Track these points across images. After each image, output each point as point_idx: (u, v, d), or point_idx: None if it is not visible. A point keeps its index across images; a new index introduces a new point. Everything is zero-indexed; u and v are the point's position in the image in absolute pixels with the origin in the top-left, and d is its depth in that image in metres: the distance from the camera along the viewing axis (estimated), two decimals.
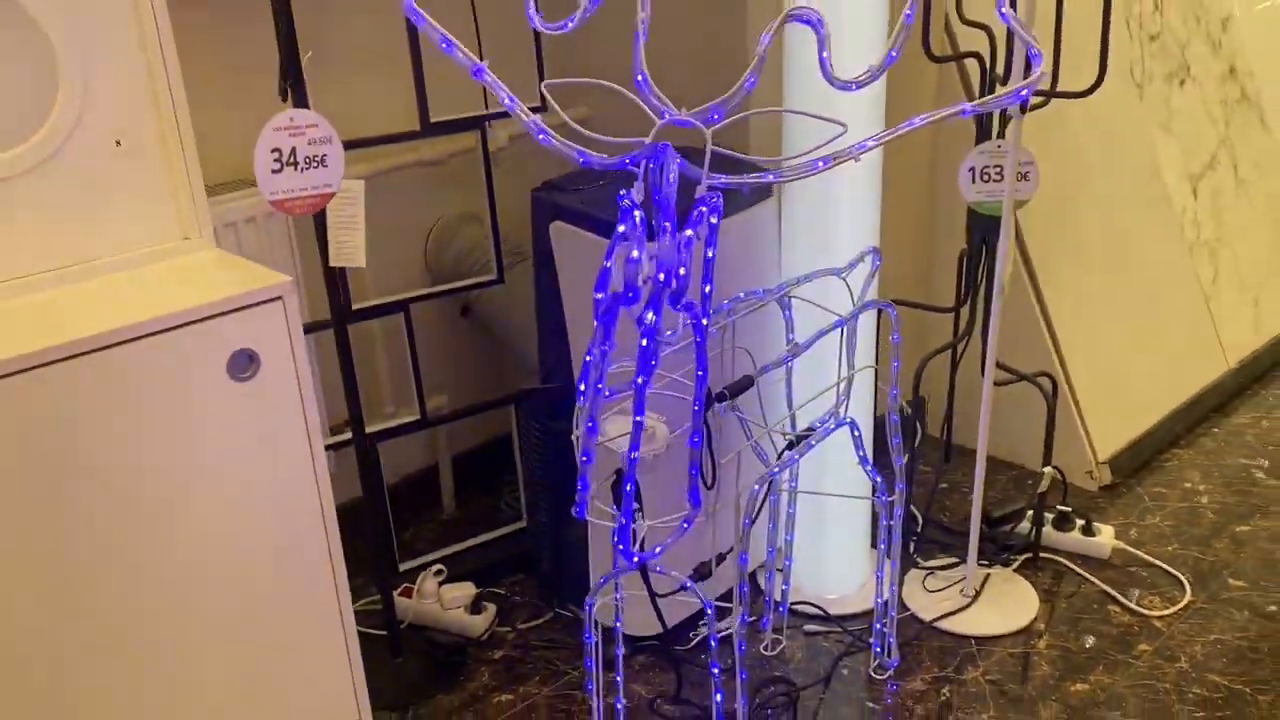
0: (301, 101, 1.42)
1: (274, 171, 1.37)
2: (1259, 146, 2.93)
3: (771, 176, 1.10)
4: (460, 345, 2.30)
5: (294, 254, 1.86)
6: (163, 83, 1.41)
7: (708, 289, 1.09)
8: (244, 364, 1.35)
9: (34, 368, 1.20)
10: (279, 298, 1.36)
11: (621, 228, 1.07)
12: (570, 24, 1.02)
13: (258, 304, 1.34)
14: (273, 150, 1.36)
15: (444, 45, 1.00)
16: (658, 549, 1.22)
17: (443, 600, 1.92)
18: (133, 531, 1.31)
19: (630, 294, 1.02)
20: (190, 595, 1.38)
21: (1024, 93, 0.99)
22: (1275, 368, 2.78)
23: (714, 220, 1.06)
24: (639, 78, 1.05)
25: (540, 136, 1.07)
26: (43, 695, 1.29)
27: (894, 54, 0.97)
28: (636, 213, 1.02)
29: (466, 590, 1.93)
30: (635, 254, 1.02)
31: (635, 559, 1.19)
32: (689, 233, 1.03)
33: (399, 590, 1.93)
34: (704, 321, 1.09)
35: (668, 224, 1.03)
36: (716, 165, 1.07)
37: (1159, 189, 2.60)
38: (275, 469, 1.41)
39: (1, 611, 1.23)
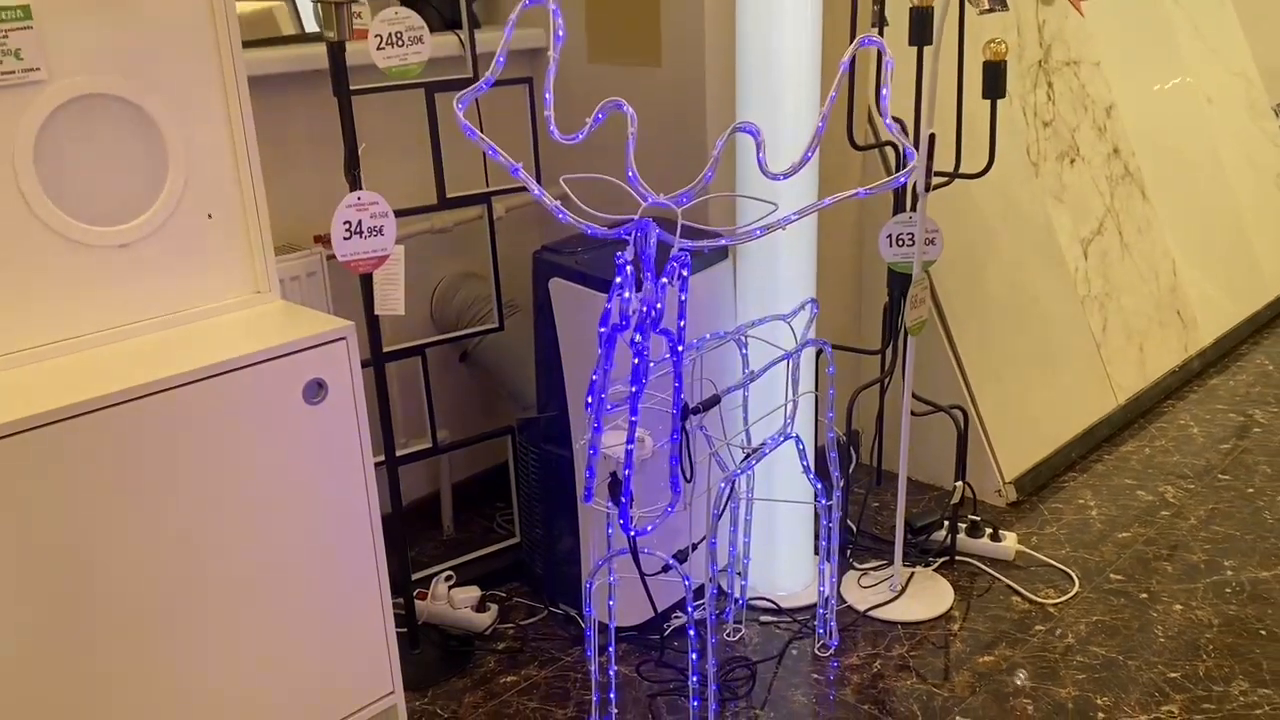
0: (359, 185, 1.79)
1: (345, 238, 1.73)
2: (1140, 215, 3.41)
3: (724, 241, 1.49)
4: (459, 387, 2.65)
5: (329, 307, 2.21)
6: (245, 169, 1.78)
7: (682, 323, 1.47)
8: (315, 391, 1.70)
9: (153, 394, 1.55)
10: (343, 338, 1.72)
11: (618, 279, 1.44)
12: (580, 136, 1.40)
13: (327, 343, 1.70)
14: (344, 222, 1.72)
15: (490, 152, 1.38)
16: (649, 528, 1.58)
17: (452, 601, 2.24)
18: (222, 525, 1.64)
19: (624, 322, 1.39)
20: (262, 581, 1.71)
21: (902, 179, 1.38)
22: (1158, 405, 3.23)
23: (685, 273, 1.45)
24: (630, 173, 1.44)
25: (559, 215, 1.45)
26: (144, 648, 1.61)
27: (809, 155, 1.37)
28: (629, 267, 1.40)
29: (472, 593, 2.26)
30: (627, 295, 1.40)
31: (632, 533, 1.55)
32: (664, 280, 1.41)
33: (415, 593, 2.25)
34: (679, 347, 1.47)
35: (648, 274, 1.41)
36: (684, 233, 1.46)
37: (1054, 251, 3.05)
38: (337, 476, 1.76)
39: (115, 581, 1.56)
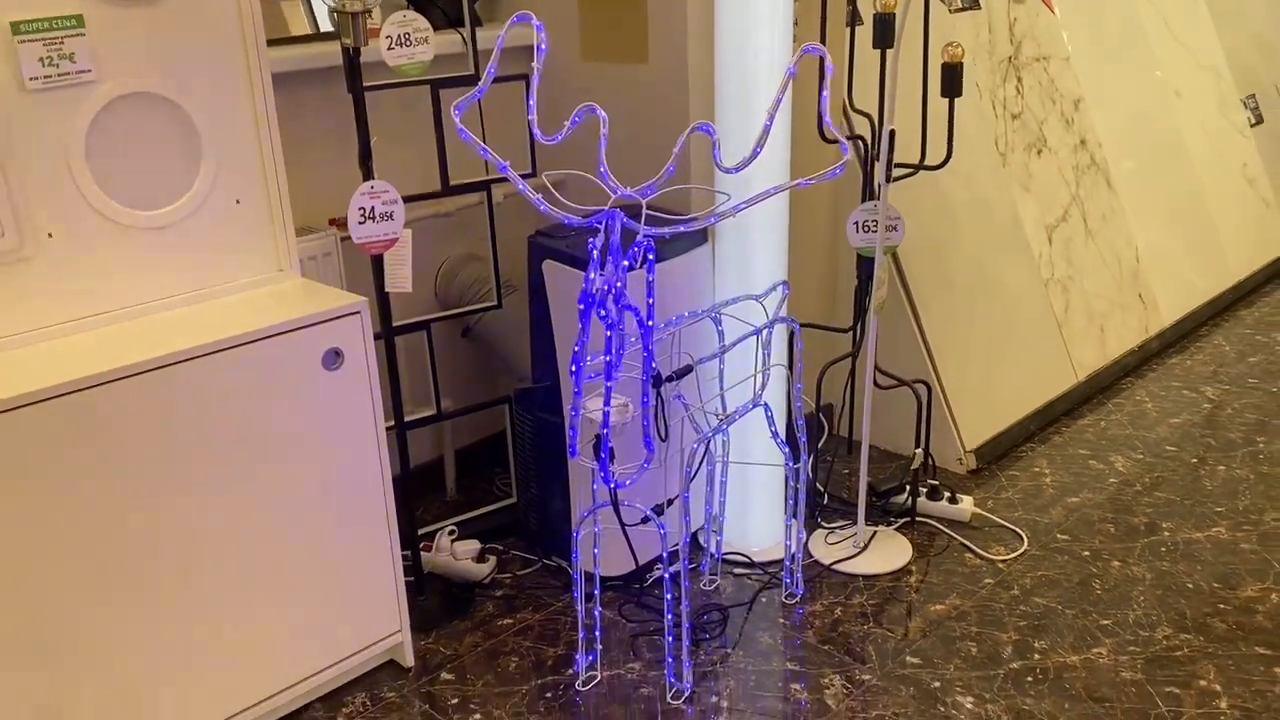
0: (371, 175, 2.00)
1: (359, 223, 1.94)
2: (1105, 203, 3.61)
3: (682, 227, 1.69)
4: (460, 360, 2.86)
5: (343, 284, 2.42)
6: (269, 159, 1.98)
7: (650, 300, 1.68)
8: (333, 359, 1.92)
9: (189, 360, 1.76)
10: (358, 311, 1.93)
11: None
12: (559, 138, 1.60)
13: (344, 315, 1.91)
14: (359, 209, 1.93)
15: (483, 153, 1.58)
16: (628, 481, 1.80)
17: (454, 553, 2.46)
18: (252, 480, 1.86)
19: (590, 298, 1.61)
20: (287, 532, 1.92)
21: (837, 171, 1.58)
22: (1117, 382, 3.43)
23: (650, 256, 1.66)
24: (602, 169, 1.64)
25: (540, 206, 1.65)
26: (184, 591, 1.83)
27: (758, 150, 1.57)
28: (595, 251, 1.61)
29: (473, 545, 2.48)
30: (593, 275, 1.61)
31: (612, 485, 1.76)
32: (625, 262, 1.62)
33: (421, 546, 2.47)
34: (649, 322, 1.67)
35: (610, 257, 1.62)
36: (655, 221, 1.67)
37: (1019, 236, 3.25)
38: (353, 437, 1.97)
39: (155, 531, 1.78)
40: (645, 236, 1.62)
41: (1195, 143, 4.12)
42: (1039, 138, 3.41)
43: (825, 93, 1.58)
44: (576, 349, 1.73)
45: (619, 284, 1.60)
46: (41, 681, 1.69)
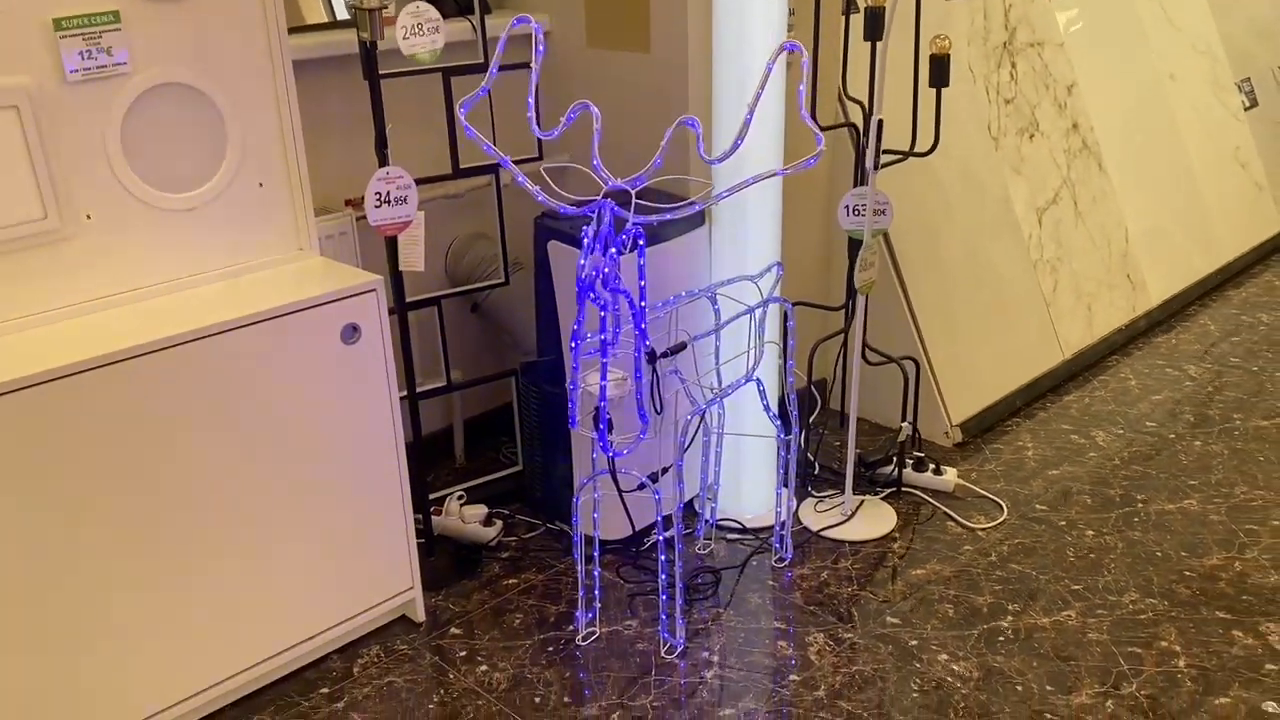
0: (386, 161, 2.13)
1: (376, 207, 2.07)
2: (1096, 186, 3.71)
3: (667, 215, 1.81)
4: (469, 334, 3.00)
5: (359, 262, 2.55)
6: (290, 145, 2.11)
7: (642, 283, 1.81)
8: (350, 333, 2.05)
9: (217, 334, 1.89)
10: (374, 289, 2.06)
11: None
12: (555, 133, 1.72)
13: (361, 293, 2.04)
14: (376, 193, 2.06)
15: (487, 149, 1.70)
16: (625, 451, 1.93)
17: (463, 516, 2.60)
18: (275, 446, 2.00)
19: (582, 281, 1.74)
20: (308, 494, 2.06)
21: (811, 162, 1.70)
22: (1103, 360, 3.55)
23: (641, 242, 1.78)
24: (595, 162, 1.76)
25: (538, 197, 1.78)
26: (214, 548, 1.98)
27: (739, 142, 1.69)
28: (585, 239, 1.73)
29: (480, 510, 2.62)
30: (582, 261, 1.74)
31: (611, 454, 1.90)
32: (612, 250, 1.75)
33: (431, 510, 2.61)
34: (641, 304, 1.80)
35: (599, 243, 1.75)
36: (649, 209, 1.79)
37: (1009, 218, 3.36)
38: (369, 406, 2.11)
39: (187, 492, 1.91)
40: (634, 224, 1.74)
41: (1189, 126, 4.21)
42: (1031, 122, 3.51)
43: (802, 86, 1.70)
44: (575, 327, 1.86)
45: (606, 269, 1.73)
46: (70, 632, 1.84)
